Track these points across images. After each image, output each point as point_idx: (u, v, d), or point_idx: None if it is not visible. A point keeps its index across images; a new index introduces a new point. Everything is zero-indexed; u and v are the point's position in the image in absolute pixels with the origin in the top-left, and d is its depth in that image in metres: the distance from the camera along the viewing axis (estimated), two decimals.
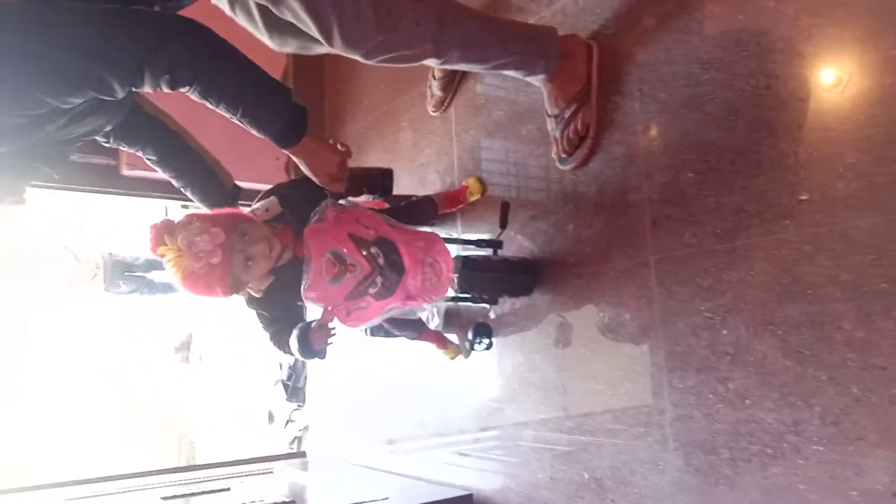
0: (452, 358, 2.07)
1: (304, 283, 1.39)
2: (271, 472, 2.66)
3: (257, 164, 2.63)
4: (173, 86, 1.13)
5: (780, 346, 1.26)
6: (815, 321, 1.21)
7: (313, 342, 1.42)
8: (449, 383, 2.14)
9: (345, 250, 1.42)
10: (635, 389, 1.52)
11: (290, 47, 1.53)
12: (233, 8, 1.41)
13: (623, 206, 1.56)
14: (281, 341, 1.50)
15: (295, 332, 1.44)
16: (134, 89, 1.14)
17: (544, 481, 1.75)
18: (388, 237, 1.52)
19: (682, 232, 1.43)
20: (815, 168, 1.22)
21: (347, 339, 2.39)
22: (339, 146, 1.41)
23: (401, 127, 2.41)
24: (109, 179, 2.46)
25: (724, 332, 1.35)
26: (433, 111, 2.22)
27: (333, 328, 1.45)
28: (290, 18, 1.30)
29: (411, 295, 1.57)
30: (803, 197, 1.23)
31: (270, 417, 3.49)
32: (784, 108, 1.27)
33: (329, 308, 1.44)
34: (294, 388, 3.15)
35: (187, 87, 1.14)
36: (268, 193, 1.49)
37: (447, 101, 2.16)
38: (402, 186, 2.37)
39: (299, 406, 3.14)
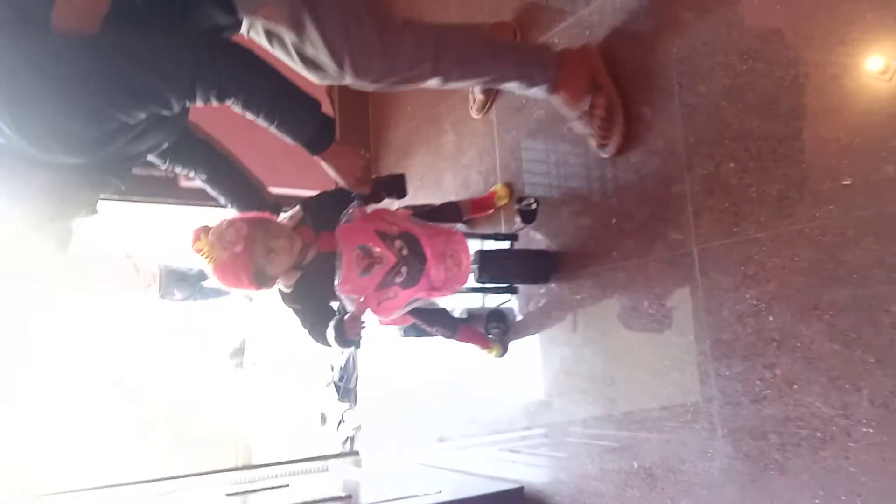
0: (498, 356, 2.15)
1: (337, 277, 1.56)
2: (327, 471, 2.74)
3: (310, 169, 2.73)
4: (221, 98, 1.28)
5: (826, 331, 1.27)
6: (861, 304, 1.22)
7: (348, 332, 1.55)
8: (497, 379, 2.18)
9: (372, 244, 1.59)
10: (682, 378, 1.54)
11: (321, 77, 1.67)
12: (270, 43, 1.57)
13: (666, 198, 1.59)
14: (318, 333, 1.63)
15: (331, 324, 1.58)
16: (188, 104, 1.28)
17: (594, 472, 1.78)
18: (410, 231, 1.68)
19: (725, 221, 1.45)
20: (858, 153, 1.23)
21: (390, 338, 2.48)
22: (361, 151, 1.54)
23: (443, 130, 2.47)
24: (169, 190, 2.59)
25: (770, 318, 1.36)
26: (476, 114, 2.29)
27: (365, 319, 1.58)
28: (310, 51, 1.48)
29: (435, 286, 1.71)
30: (846, 182, 1.24)
31: (323, 419, 3.58)
32: (824, 95, 1.28)
33: (361, 299, 1.59)
34: (346, 390, 3.23)
35: (232, 99, 1.28)
36: (296, 204, 1.67)
37: (488, 103, 2.24)
38: (445, 188, 2.43)
39: (351, 407, 3.22)
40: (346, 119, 2.91)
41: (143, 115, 1.24)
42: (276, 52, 1.59)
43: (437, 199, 2.26)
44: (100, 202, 1.45)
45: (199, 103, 1.30)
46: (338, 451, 3.14)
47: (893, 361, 1.17)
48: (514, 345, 2.11)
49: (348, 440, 3.20)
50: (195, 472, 2.66)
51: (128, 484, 2.59)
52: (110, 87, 1.17)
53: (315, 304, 1.65)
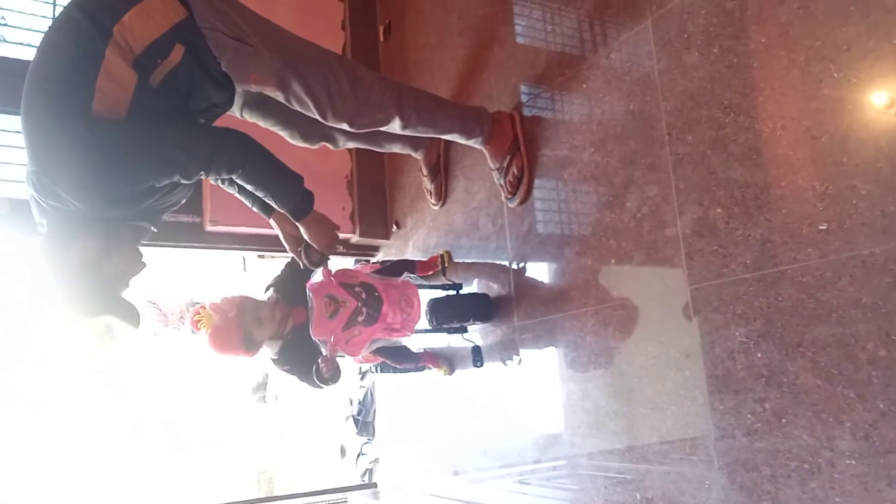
0: (447, 374, 2.54)
1: (311, 324, 1.97)
2: (346, 502, 2.82)
3: (328, 212, 2.88)
4: (230, 171, 1.61)
5: (810, 367, 1.35)
6: (840, 342, 1.30)
7: (323, 371, 1.92)
8: (508, 413, 2.27)
9: (337, 293, 2.03)
10: (681, 412, 1.62)
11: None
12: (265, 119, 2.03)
13: (660, 241, 1.68)
14: (309, 381, 2.00)
15: (314, 369, 1.94)
16: (203, 175, 1.60)
17: None
18: (368, 282, 2.16)
19: (714, 263, 1.54)
20: (832, 199, 1.32)
21: (405, 377, 2.61)
22: (333, 225, 1.87)
23: (454, 175, 2.59)
24: (195, 235, 2.74)
25: (759, 355, 1.44)
26: (435, 204, 2.66)
27: (336, 357, 1.98)
28: (296, 105, 1.78)
29: (393, 327, 2.14)
30: (822, 227, 1.33)
31: (343, 452, 3.67)
32: (799, 146, 1.38)
33: (332, 340, 1.99)
34: (364, 423, 3.33)
35: (238, 173, 1.62)
36: (268, 287, 2.08)
37: (441, 189, 2.61)
38: (455, 227, 2.55)
39: (369, 440, 3.31)
40: (363, 163, 3.05)
41: (167, 181, 1.52)
42: (269, 125, 2.04)
43: (440, 242, 2.65)
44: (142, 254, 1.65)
45: (212, 177, 1.65)
46: (357, 483, 3.21)
47: (872, 396, 1.25)
48: (522, 379, 2.19)
49: (367, 472, 3.28)
50: None
51: None
52: (145, 158, 1.45)
53: (300, 363, 2.02)
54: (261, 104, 1.95)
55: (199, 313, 1.86)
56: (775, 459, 1.41)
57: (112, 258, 1.53)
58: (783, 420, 1.39)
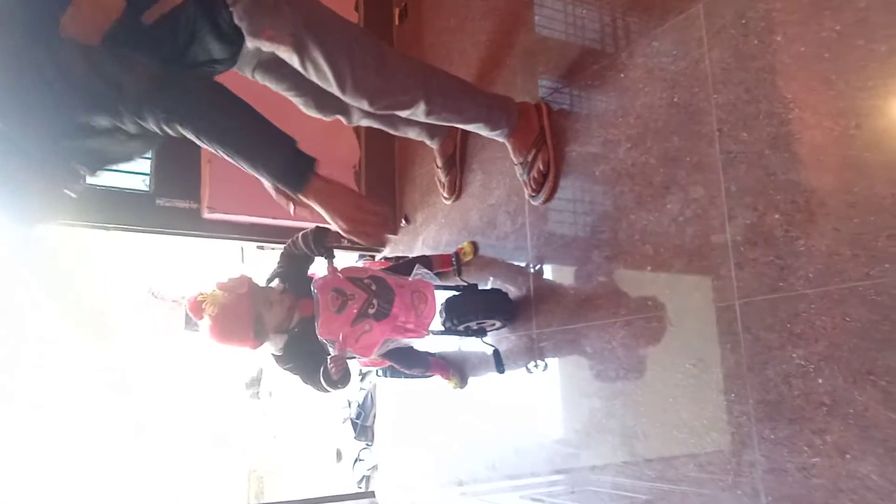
0: (457, 386, 2.35)
1: (317, 322, 1.74)
2: None
3: (331, 174, 2.73)
4: (168, 122, 1.26)
5: (882, 398, 1.19)
6: None
7: (332, 372, 1.70)
8: (520, 426, 2.11)
9: (344, 287, 1.81)
10: (722, 439, 1.46)
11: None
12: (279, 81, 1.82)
13: (706, 248, 1.52)
14: (314, 382, 1.79)
15: (321, 370, 1.74)
16: (143, 124, 1.28)
17: None
18: (377, 275, 1.92)
19: (769, 275, 1.38)
20: None
21: (408, 381, 2.45)
22: (369, 201, 1.44)
23: (470, 169, 2.43)
24: (192, 222, 2.57)
25: (820, 381, 1.29)
26: (447, 198, 2.49)
27: (346, 358, 1.76)
28: (312, 73, 1.58)
29: (407, 327, 1.91)
30: None
31: (339, 455, 3.51)
32: (877, 147, 1.22)
33: (341, 338, 1.76)
34: (363, 427, 3.17)
35: (182, 127, 1.27)
36: (272, 277, 1.87)
37: (456, 183, 2.44)
38: (470, 224, 2.39)
39: (368, 445, 3.15)
40: (373, 153, 2.89)
41: (102, 122, 1.27)
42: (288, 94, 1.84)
43: (453, 239, 2.48)
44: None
45: (152, 126, 1.28)
46: (353, 492, 3.06)
47: None
48: (538, 391, 2.03)
49: (364, 479, 3.12)
50: None
51: None
52: (78, 91, 1.22)
53: (305, 360, 1.81)
54: (275, 66, 1.73)
55: (203, 295, 1.63)
56: (836, 499, 1.25)
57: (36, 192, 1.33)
58: (847, 456, 1.24)
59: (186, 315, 3.99)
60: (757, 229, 1.42)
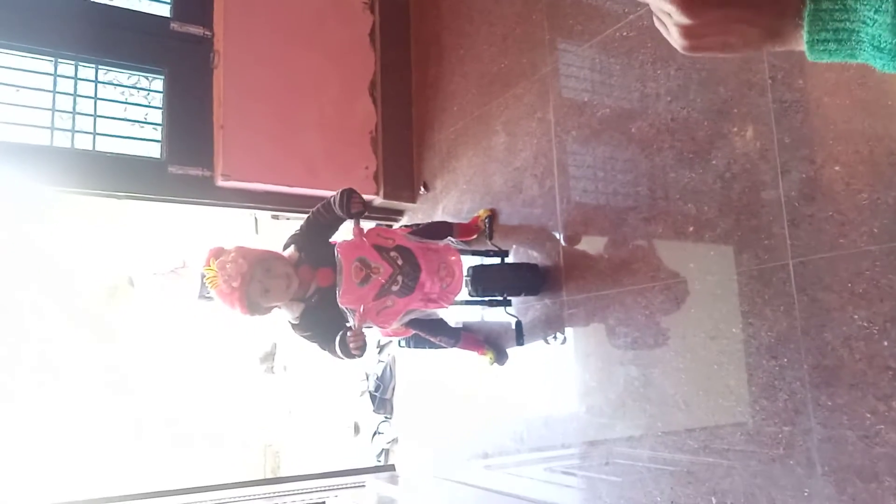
0: (493, 361, 2.24)
1: (338, 290, 1.70)
2: (363, 486, 2.61)
3: (349, 172, 2.65)
4: None
5: None
6: None
7: (350, 345, 1.67)
8: (549, 397, 2.03)
9: (369, 257, 1.75)
10: (773, 407, 1.38)
11: None
12: None
13: (755, 205, 1.43)
14: (330, 348, 1.76)
15: (337, 338, 1.71)
16: None
17: (662, 503, 1.62)
18: (404, 245, 1.85)
19: (828, 232, 1.29)
20: None
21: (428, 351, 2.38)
22: None
23: (494, 131, 2.33)
24: (205, 191, 2.49)
25: (885, 343, 1.20)
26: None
27: (365, 333, 1.72)
28: None
29: (431, 297, 1.86)
30: None
31: (356, 429, 3.46)
32: None
33: (361, 309, 1.72)
34: (381, 400, 3.10)
35: None
36: (289, 242, 1.80)
37: None
38: (495, 191, 2.30)
39: (387, 418, 3.09)
40: (389, 119, 2.79)
41: None
42: None
43: (475, 206, 2.39)
44: None
45: None
46: (372, 465, 3.01)
47: None
48: (569, 362, 1.96)
49: (383, 453, 3.06)
50: (221, 485, 2.54)
51: (149, 496, 2.47)
52: None
53: (323, 329, 1.76)
54: None
55: (210, 265, 1.63)
56: None
57: None
58: None
59: (200, 284, 3.94)
60: (814, 183, 1.32)
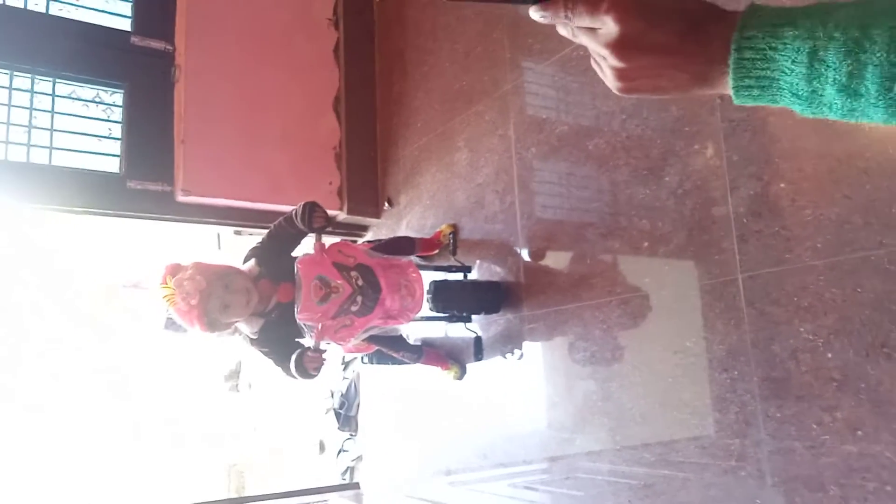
0: (457, 377, 2.24)
1: (297, 305, 1.69)
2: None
3: (313, 187, 2.64)
4: None
5: None
6: None
7: (307, 366, 1.68)
8: (511, 413, 2.04)
9: (329, 275, 1.74)
10: (725, 419, 1.40)
11: None
12: None
13: (706, 220, 1.46)
14: (285, 368, 1.74)
15: (293, 357, 1.69)
16: None
17: None
18: (366, 263, 1.83)
19: (775, 247, 1.32)
20: None
21: (394, 369, 2.37)
22: None
23: (456, 147, 2.35)
24: (165, 206, 2.45)
25: (829, 355, 1.23)
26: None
27: (325, 351, 1.73)
28: None
29: (391, 314, 1.84)
30: None
31: (321, 447, 3.42)
32: None
33: (319, 327, 1.71)
34: (346, 417, 3.07)
35: None
36: (250, 255, 1.78)
37: None
38: (458, 207, 2.31)
39: (352, 435, 3.06)
40: (354, 134, 2.79)
41: None
42: None
43: (438, 221, 2.39)
44: None
45: None
46: (337, 483, 2.97)
47: None
48: (530, 377, 1.97)
49: (348, 470, 3.03)
50: None
51: None
52: None
53: (281, 346, 1.75)
54: None
55: (166, 283, 1.61)
56: (848, 479, 1.19)
57: None
58: (859, 432, 1.18)
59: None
60: (761, 200, 1.36)
